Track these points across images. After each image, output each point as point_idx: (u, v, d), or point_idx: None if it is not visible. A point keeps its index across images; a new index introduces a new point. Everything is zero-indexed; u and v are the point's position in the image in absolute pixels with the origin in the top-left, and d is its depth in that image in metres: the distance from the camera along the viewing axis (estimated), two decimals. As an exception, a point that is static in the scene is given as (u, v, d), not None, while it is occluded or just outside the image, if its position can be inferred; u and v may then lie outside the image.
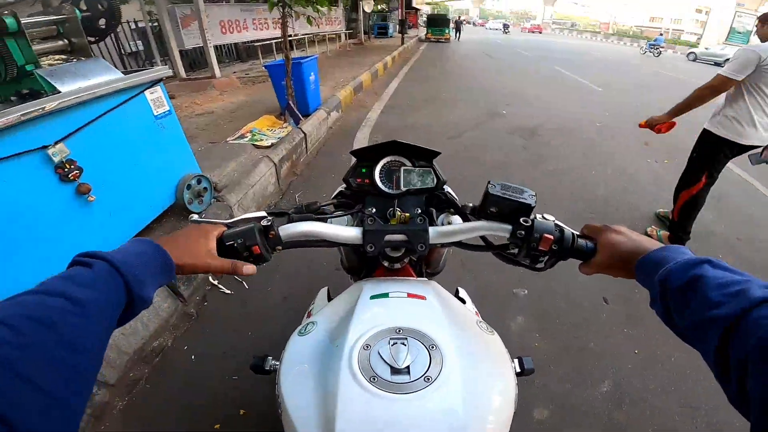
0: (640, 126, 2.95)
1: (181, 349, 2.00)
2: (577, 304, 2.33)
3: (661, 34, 22.47)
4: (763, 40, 2.49)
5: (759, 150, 2.53)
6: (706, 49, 23.45)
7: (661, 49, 24.70)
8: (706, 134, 2.70)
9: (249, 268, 0.68)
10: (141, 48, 8.49)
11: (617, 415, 1.73)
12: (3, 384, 0.31)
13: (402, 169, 0.89)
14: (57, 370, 0.35)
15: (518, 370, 0.83)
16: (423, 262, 1.12)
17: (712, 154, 2.66)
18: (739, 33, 25.19)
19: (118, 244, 1.92)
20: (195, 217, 0.77)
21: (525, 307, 2.29)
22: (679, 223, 2.83)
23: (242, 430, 1.64)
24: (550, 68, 13.27)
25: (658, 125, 2.79)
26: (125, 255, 0.51)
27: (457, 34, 26.68)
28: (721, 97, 2.60)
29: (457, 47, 20.28)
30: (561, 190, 3.85)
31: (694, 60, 22.30)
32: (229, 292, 2.34)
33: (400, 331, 0.67)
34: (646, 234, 3.01)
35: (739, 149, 2.59)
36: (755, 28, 2.60)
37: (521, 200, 0.73)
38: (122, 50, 7.85)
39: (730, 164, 4.53)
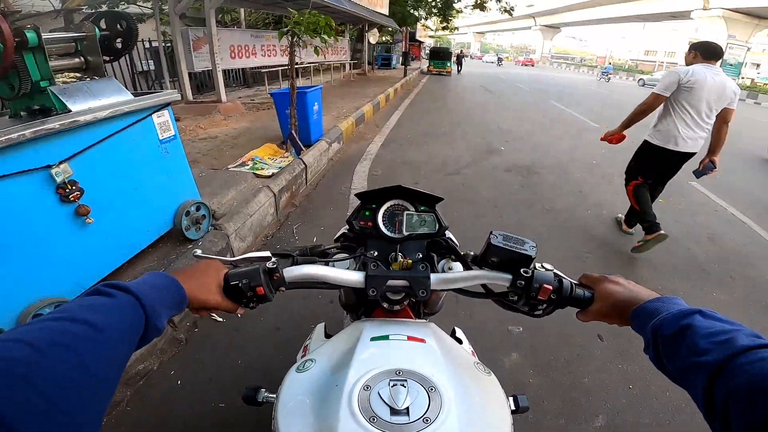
0: (601, 140, 3.58)
1: (168, 373, 1.97)
2: (571, 341, 2.32)
3: (610, 63, 24.33)
4: (687, 65, 3.03)
5: (698, 167, 3.17)
6: (652, 75, 27.80)
7: (610, 76, 31.81)
8: (645, 143, 3.29)
9: (240, 310, 0.74)
10: (152, 68, 8.68)
11: (611, 450, 1.70)
12: (27, 400, 0.33)
13: (405, 213, 0.93)
14: (76, 392, 0.37)
15: (513, 407, 0.84)
16: (421, 303, 1.13)
17: (646, 159, 3.30)
18: (731, 65, 25.96)
19: (112, 268, 1.94)
20: (198, 252, 0.79)
21: (519, 344, 2.28)
22: (641, 210, 3.28)
23: None
24: (547, 103, 13.60)
25: (611, 137, 3.42)
26: (146, 288, 0.55)
27: (459, 68, 26.98)
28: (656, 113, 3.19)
29: (457, 80, 20.80)
30: (557, 228, 3.87)
31: (643, 85, 25.83)
32: (220, 320, 2.29)
33: (400, 372, 0.68)
34: (618, 226, 3.78)
35: (671, 155, 3.13)
36: (686, 55, 3.16)
37: (522, 251, 0.76)
38: (134, 69, 8.03)
39: (723, 203, 4.67)
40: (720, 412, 0.42)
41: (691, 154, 3.11)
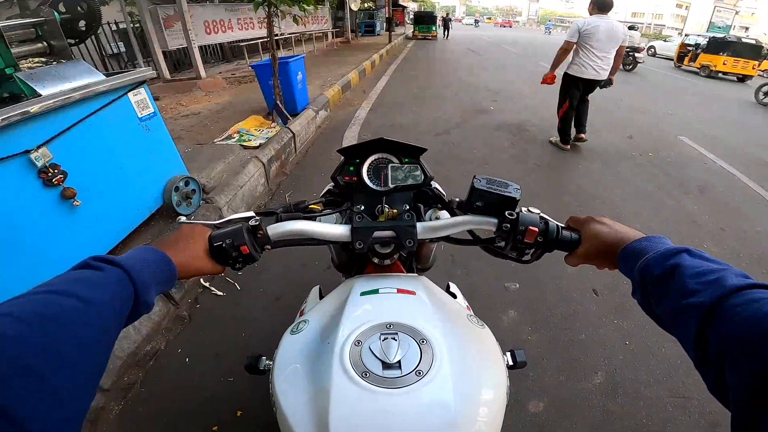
0: (541, 84, 4.69)
1: (175, 352, 1.98)
2: (567, 296, 2.36)
3: (550, 21, 24.82)
4: (590, 14, 4.16)
5: (601, 83, 4.40)
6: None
7: (551, 31, 44.49)
8: (565, 76, 4.49)
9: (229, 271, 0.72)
10: (123, 50, 8.33)
11: (612, 407, 1.74)
12: (15, 377, 0.31)
13: (389, 166, 0.90)
14: (67, 367, 0.36)
15: (510, 362, 0.84)
16: (413, 258, 1.12)
17: (568, 87, 4.51)
18: (719, 27, 25.70)
19: (105, 249, 1.91)
20: (183, 218, 0.77)
21: (516, 301, 2.31)
22: (562, 129, 4.73)
23: (240, 430, 1.63)
24: (535, 63, 13.36)
25: (546, 78, 4.59)
26: (136, 262, 0.52)
27: (446, 32, 25.29)
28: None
29: (443, 44, 20.27)
30: (549, 183, 3.90)
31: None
32: (221, 294, 2.32)
33: (390, 326, 0.68)
34: (550, 143, 4.97)
35: (583, 83, 4.38)
36: (588, 7, 4.23)
37: (506, 194, 0.75)
38: (104, 52, 7.70)
39: (712, 156, 4.76)
40: (714, 360, 0.39)
41: (599, 81, 4.36)
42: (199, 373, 1.87)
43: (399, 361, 0.61)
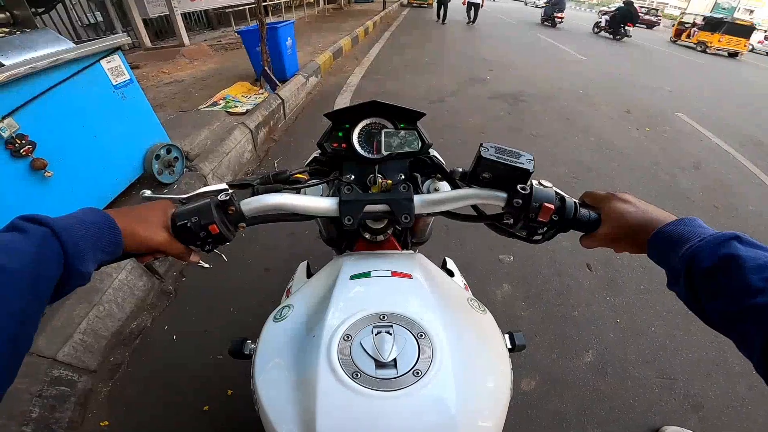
0: (462, 4, 14.45)
1: (162, 329, 1.91)
2: (561, 271, 2.33)
3: None
4: None
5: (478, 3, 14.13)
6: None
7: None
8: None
9: (195, 256, 0.62)
10: (100, 19, 7.92)
11: (601, 386, 1.74)
12: None
13: (383, 132, 0.79)
14: None
15: (509, 346, 0.77)
16: (407, 232, 1.04)
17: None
18: (724, 8, 25.50)
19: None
20: (147, 192, 0.68)
21: (511, 274, 2.28)
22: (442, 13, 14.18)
23: (232, 410, 1.58)
24: (533, 35, 13.09)
25: (463, 2, 14.40)
26: (70, 221, 0.44)
27: (441, 11, 14.14)
28: None
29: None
30: (544, 154, 3.83)
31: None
32: (207, 266, 2.24)
33: (384, 317, 0.60)
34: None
35: (469, 3, 14.08)
36: None
37: (518, 165, 0.65)
38: (79, 22, 7.30)
39: (709, 133, 4.80)
40: None
41: (475, 2, 13.87)
42: (187, 351, 1.80)
43: (395, 360, 0.54)
